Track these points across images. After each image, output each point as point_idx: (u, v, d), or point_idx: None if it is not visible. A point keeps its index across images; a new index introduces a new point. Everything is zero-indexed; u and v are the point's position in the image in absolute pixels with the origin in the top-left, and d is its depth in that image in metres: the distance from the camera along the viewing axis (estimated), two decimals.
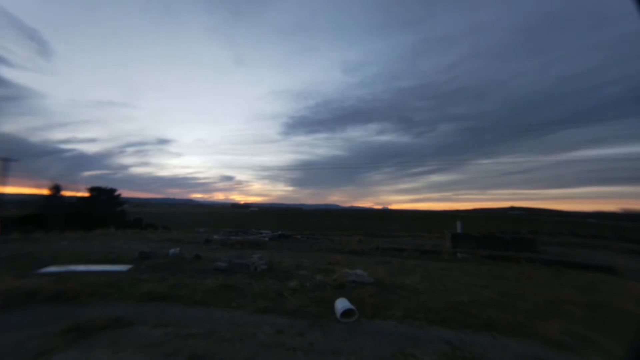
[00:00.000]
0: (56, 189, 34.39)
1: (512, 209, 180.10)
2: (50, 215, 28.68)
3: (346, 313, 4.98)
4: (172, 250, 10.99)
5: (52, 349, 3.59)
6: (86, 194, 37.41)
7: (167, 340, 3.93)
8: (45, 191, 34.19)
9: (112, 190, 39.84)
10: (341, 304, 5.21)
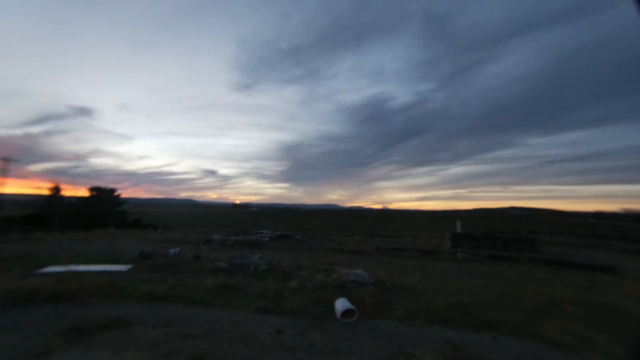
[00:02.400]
0: (56, 189, 34.46)
1: (512, 209, 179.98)
2: (50, 215, 28.70)
3: (346, 313, 4.98)
4: (172, 251, 10.99)
5: (52, 349, 3.59)
6: (86, 194, 37.50)
7: (167, 340, 3.93)
8: (45, 191, 34.30)
9: (112, 190, 39.93)
10: (341, 304, 5.21)
